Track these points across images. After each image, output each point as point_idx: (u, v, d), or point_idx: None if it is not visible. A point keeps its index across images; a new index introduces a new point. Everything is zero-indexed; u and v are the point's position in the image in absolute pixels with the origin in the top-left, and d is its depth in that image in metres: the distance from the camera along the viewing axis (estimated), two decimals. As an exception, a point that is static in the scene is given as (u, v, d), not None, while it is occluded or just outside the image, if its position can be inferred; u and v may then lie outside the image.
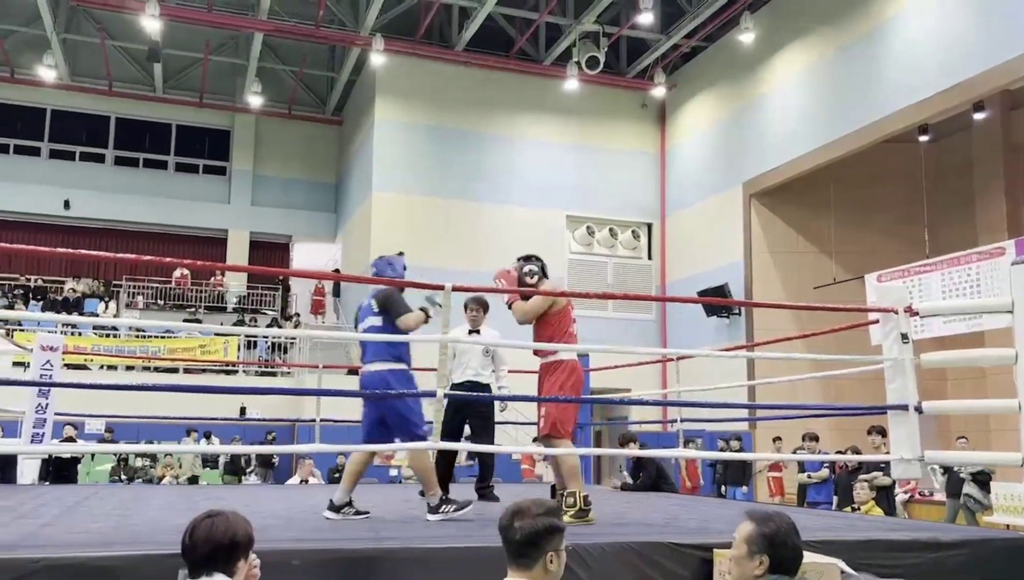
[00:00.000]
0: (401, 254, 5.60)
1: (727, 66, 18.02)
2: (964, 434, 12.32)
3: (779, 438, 13.61)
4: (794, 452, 11.57)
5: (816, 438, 11.00)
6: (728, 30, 17.72)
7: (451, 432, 6.53)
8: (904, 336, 5.04)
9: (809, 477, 11.02)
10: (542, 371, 5.38)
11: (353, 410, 10.48)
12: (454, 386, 6.67)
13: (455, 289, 4.74)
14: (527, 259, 5.48)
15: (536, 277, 5.42)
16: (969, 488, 10.46)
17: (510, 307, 5.40)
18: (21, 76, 20.32)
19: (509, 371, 6.97)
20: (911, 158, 15.55)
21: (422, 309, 5.13)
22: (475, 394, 6.59)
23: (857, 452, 9.97)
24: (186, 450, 13.43)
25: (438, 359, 4.70)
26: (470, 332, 6.65)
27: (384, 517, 5.24)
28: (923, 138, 14.83)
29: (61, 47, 19.26)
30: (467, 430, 6.79)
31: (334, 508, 5.06)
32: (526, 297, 5.30)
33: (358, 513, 5.10)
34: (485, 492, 6.87)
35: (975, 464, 10.05)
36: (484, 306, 6.72)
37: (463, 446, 6.86)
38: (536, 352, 5.40)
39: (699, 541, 3.93)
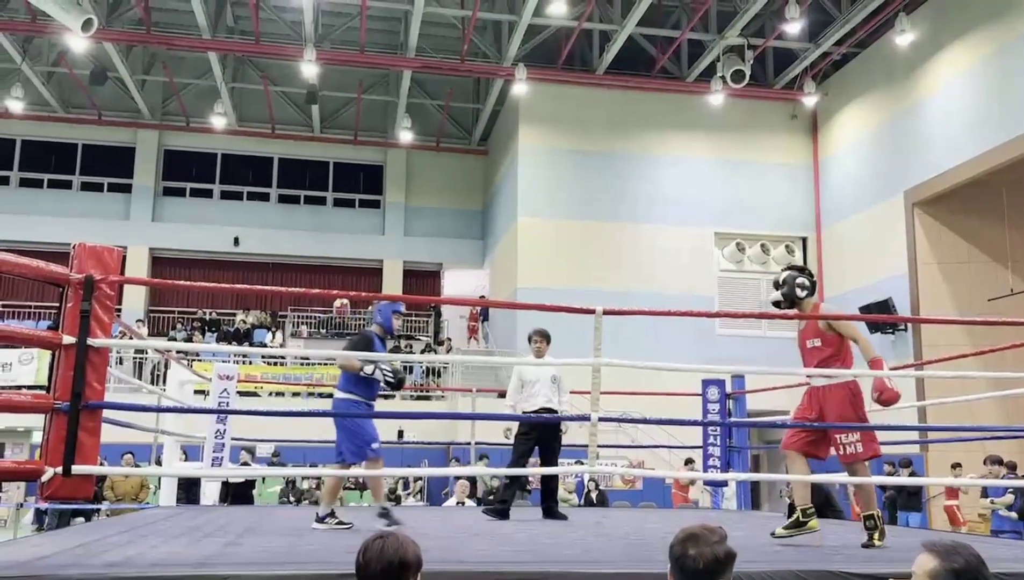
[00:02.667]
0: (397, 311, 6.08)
1: (883, 70, 17.22)
2: None
3: (958, 464, 12.72)
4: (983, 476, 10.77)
5: (1000, 461, 10.22)
6: (881, 34, 16.96)
7: (524, 454, 6.92)
8: (1099, 351, 4.64)
9: (992, 502, 10.26)
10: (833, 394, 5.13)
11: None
12: (529, 413, 6.93)
13: (605, 313, 4.76)
14: (800, 271, 5.30)
15: (805, 292, 5.20)
16: None
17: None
18: (195, 125, 22.02)
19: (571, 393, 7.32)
20: (1095, 157, 14.31)
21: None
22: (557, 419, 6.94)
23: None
24: (347, 473, 14.00)
25: (591, 383, 4.73)
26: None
27: (542, 539, 5.27)
28: (1109, 134, 13.62)
29: (229, 95, 20.73)
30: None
31: (319, 519, 5.82)
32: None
33: (340, 523, 5.80)
34: (551, 510, 7.23)
35: None
36: (547, 338, 7.03)
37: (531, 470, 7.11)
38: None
39: (872, 571, 3.73)
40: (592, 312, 4.68)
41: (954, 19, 15.31)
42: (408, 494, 14.35)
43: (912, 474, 12.97)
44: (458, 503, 11.30)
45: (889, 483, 12.73)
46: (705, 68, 18.31)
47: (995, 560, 4.22)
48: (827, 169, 19.28)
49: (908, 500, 12.74)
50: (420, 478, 14.66)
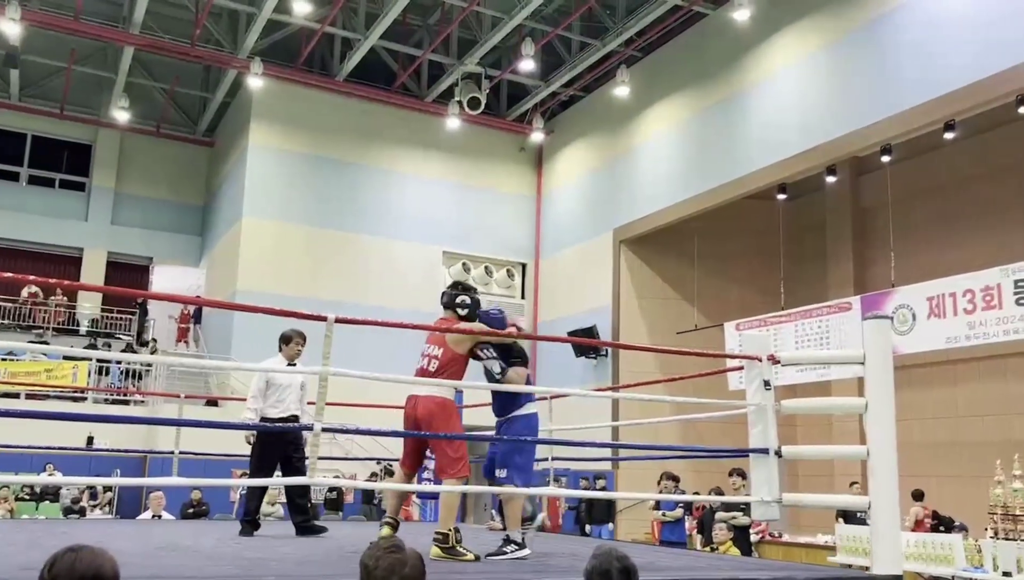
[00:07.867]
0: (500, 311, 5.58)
1: (602, 116, 18.64)
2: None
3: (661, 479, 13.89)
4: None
5: (675, 478, 11.33)
6: (604, 82, 18.37)
7: (270, 467, 6.56)
8: (767, 383, 5.29)
9: (664, 515, 11.34)
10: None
11: (213, 443, 10.03)
12: (274, 420, 6.59)
13: (338, 321, 4.67)
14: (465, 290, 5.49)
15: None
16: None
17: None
18: None
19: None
20: (770, 214, 16.48)
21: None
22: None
23: (720, 493, 10.36)
24: (24, 480, 12.53)
25: (318, 393, 4.62)
26: (289, 365, 6.63)
27: (245, 554, 5.05)
28: (781, 196, 15.70)
29: (-95, 43, 17.90)
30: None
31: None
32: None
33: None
34: (306, 526, 6.80)
35: (833, 507, 10.61)
36: (306, 340, 6.70)
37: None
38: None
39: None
40: (324, 319, 4.57)
41: (666, 77, 16.95)
42: (96, 505, 13.11)
43: (603, 488, 14.04)
44: (154, 516, 10.53)
45: (579, 496, 13.69)
46: (444, 91, 18.75)
47: (670, 569, 4.68)
48: (549, 202, 20.49)
49: (599, 513, 13.76)
50: (110, 488, 13.47)
